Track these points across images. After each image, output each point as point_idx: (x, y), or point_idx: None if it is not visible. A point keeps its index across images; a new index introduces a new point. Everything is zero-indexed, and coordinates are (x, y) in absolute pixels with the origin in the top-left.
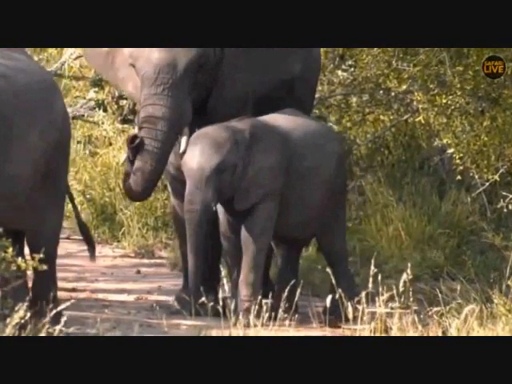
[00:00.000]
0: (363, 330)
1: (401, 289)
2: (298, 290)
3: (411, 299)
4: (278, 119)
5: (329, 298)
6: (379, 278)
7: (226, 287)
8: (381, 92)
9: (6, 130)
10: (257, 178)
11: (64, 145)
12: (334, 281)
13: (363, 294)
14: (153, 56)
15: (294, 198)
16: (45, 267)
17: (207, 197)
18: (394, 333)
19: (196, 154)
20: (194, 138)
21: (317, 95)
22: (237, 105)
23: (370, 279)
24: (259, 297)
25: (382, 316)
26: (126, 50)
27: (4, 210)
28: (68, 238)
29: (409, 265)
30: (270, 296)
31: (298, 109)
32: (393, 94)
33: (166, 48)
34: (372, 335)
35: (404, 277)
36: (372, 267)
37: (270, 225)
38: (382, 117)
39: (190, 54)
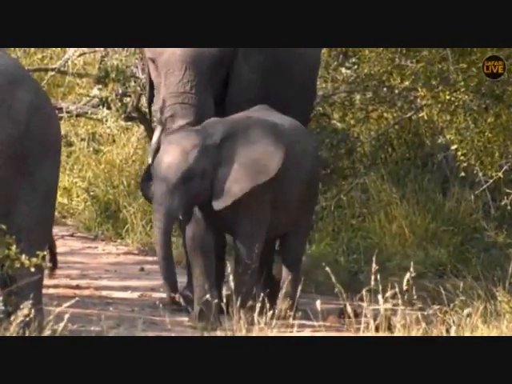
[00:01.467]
0: (366, 327)
1: (404, 287)
2: (299, 288)
3: (415, 297)
4: (255, 116)
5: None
6: (379, 275)
7: (232, 284)
8: (384, 89)
9: None
10: (233, 177)
11: (37, 139)
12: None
13: (364, 291)
14: (178, 51)
15: (275, 197)
16: (49, 265)
17: (172, 206)
18: (398, 330)
19: (164, 162)
20: (164, 143)
21: (320, 93)
22: (250, 96)
23: (372, 276)
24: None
25: (385, 313)
26: None
27: None
28: (72, 236)
29: (411, 263)
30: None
31: (290, 104)
32: (396, 91)
33: None
34: (375, 333)
35: (407, 276)
36: (374, 264)
37: (259, 227)
38: (385, 114)
39: (213, 50)
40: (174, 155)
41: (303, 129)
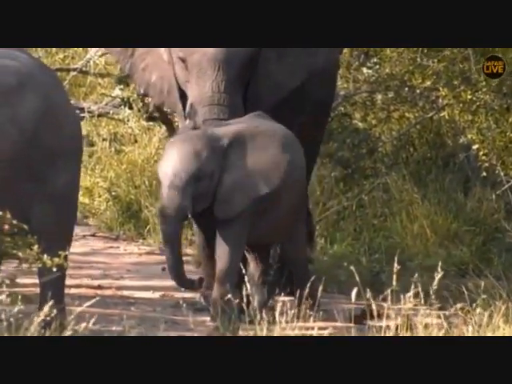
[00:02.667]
0: (388, 327)
1: (434, 287)
2: (320, 288)
3: (436, 296)
4: (258, 124)
5: (354, 292)
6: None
7: (248, 285)
8: (406, 89)
9: None
10: (238, 185)
11: (46, 145)
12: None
13: (388, 291)
14: (211, 50)
15: (270, 204)
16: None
17: (184, 204)
18: (419, 330)
19: (174, 161)
20: (170, 143)
21: (342, 92)
22: (271, 98)
23: (394, 276)
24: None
25: (407, 313)
26: None
27: None
28: (93, 236)
29: (439, 263)
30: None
31: (311, 102)
32: (418, 91)
33: None
34: (397, 333)
35: (437, 276)
36: (395, 264)
37: (242, 239)
38: (407, 114)
39: (243, 49)
40: (185, 154)
41: (294, 137)
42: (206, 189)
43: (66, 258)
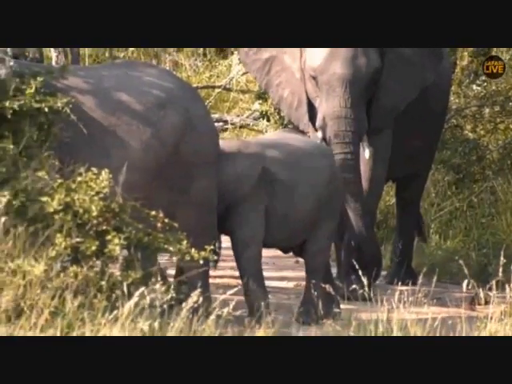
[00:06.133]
0: (494, 312)
1: None
2: (434, 278)
3: None
4: (262, 137)
5: (465, 283)
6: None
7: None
8: (510, 104)
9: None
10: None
11: (187, 158)
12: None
13: (493, 282)
14: (339, 71)
15: (277, 211)
16: (215, 257)
17: None
18: None
19: None
20: None
21: (454, 107)
22: (390, 111)
23: (500, 269)
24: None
25: (511, 300)
26: (294, 62)
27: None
28: None
29: None
30: (410, 283)
31: (427, 116)
32: None
33: (348, 62)
34: (502, 319)
35: None
36: (501, 258)
37: (254, 234)
38: (511, 126)
39: (370, 69)
40: None
41: (321, 149)
42: None
43: (213, 252)
